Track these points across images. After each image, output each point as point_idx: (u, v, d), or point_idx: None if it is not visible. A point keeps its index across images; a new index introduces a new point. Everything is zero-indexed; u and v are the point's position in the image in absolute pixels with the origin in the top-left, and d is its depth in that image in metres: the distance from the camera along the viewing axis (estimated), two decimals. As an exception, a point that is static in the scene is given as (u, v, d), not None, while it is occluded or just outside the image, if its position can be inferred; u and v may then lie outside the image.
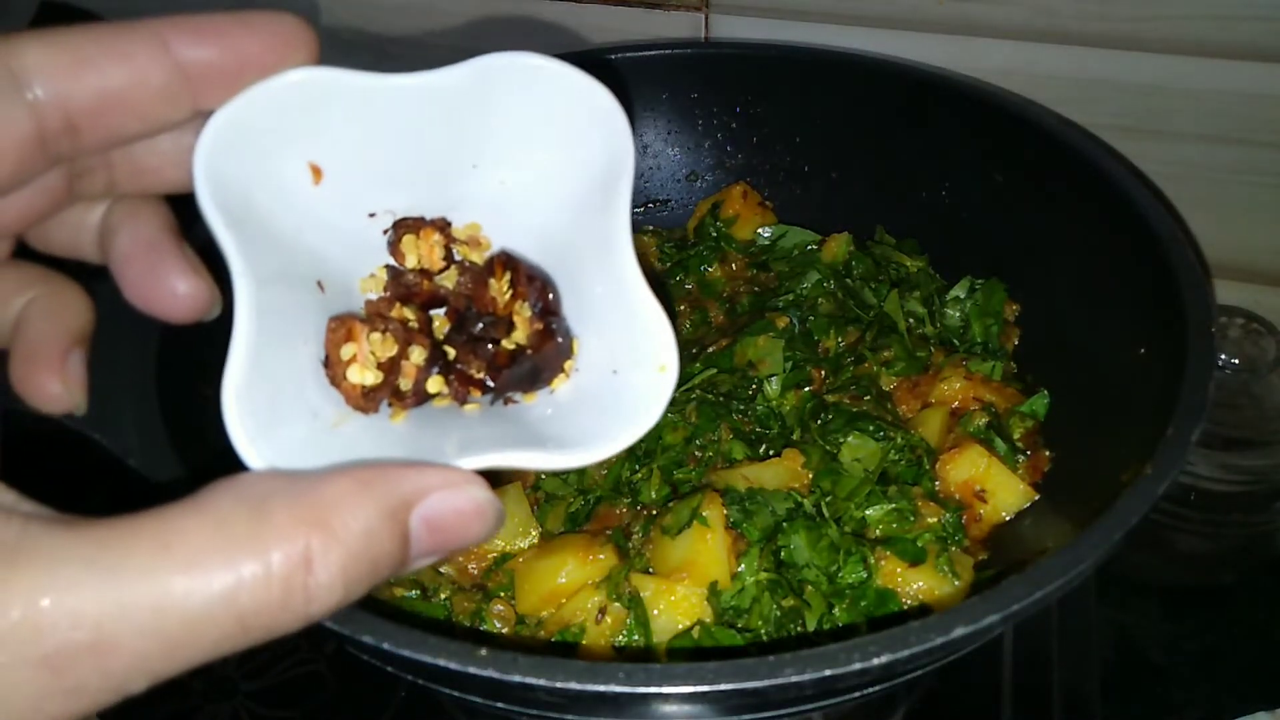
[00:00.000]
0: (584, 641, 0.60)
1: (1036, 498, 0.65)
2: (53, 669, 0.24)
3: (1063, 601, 0.73)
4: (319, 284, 0.38)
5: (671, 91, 0.88)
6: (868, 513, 0.64)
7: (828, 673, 0.40)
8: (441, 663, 0.41)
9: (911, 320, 0.77)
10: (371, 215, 0.40)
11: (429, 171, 0.40)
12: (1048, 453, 0.69)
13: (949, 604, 0.47)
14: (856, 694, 0.47)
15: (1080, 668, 0.73)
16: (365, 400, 0.36)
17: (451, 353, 0.39)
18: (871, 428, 0.67)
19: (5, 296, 0.37)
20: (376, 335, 0.37)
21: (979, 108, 0.76)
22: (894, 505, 0.64)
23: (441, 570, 0.65)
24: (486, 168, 0.41)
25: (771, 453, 0.68)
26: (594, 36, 0.94)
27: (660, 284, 0.77)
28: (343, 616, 0.43)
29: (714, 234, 0.86)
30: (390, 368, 0.37)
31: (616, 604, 0.60)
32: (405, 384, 0.37)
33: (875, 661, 0.40)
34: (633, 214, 0.95)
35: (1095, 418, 0.64)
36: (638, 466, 0.68)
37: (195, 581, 0.26)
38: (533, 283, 0.39)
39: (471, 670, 0.41)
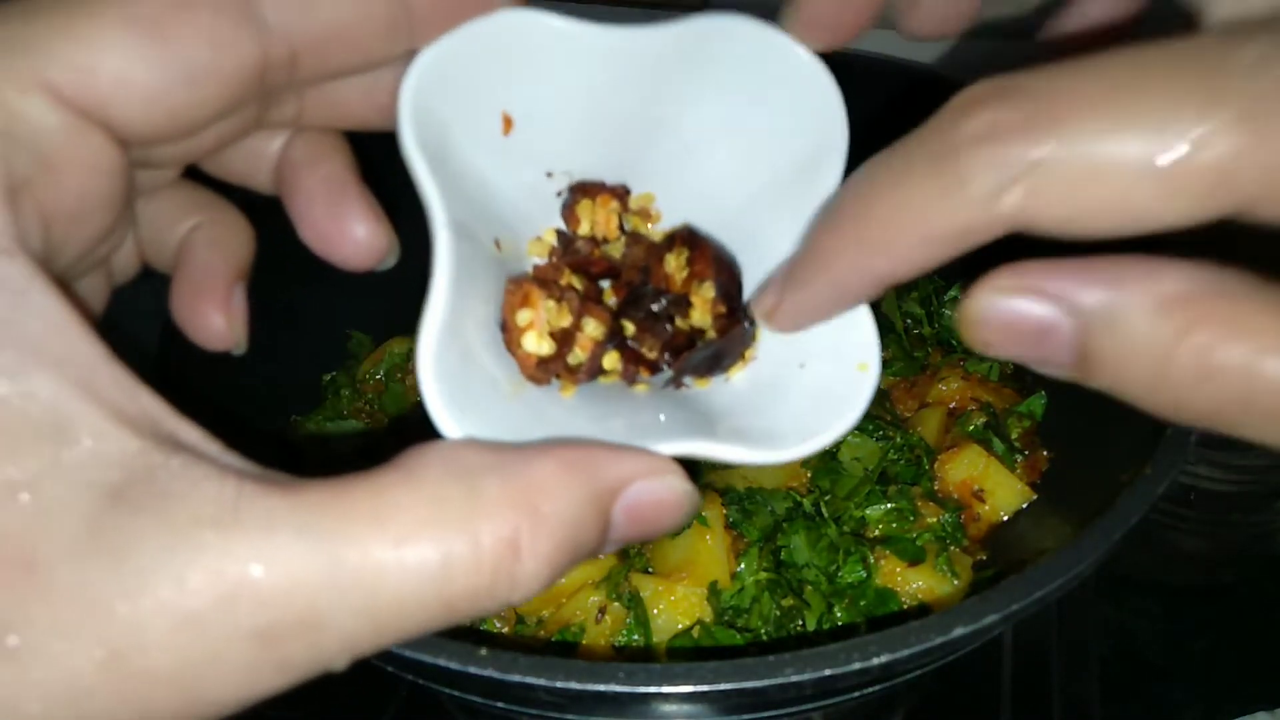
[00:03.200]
0: (584, 641, 0.60)
1: (1035, 497, 0.65)
2: (265, 642, 0.23)
3: (1063, 601, 0.73)
4: (495, 241, 0.36)
5: (671, 91, 0.88)
6: (867, 512, 0.64)
7: (828, 672, 0.40)
8: (441, 663, 0.41)
9: (909, 320, 0.77)
10: (549, 174, 0.38)
11: (615, 133, 0.38)
12: (1046, 453, 0.69)
13: (948, 604, 0.47)
14: (856, 694, 0.47)
15: (1080, 668, 0.73)
16: (539, 370, 0.34)
17: (630, 328, 0.37)
18: (870, 427, 0.67)
19: (173, 220, 0.36)
20: (552, 303, 0.34)
21: (979, 108, 0.76)
22: (893, 505, 0.64)
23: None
24: (676, 136, 0.38)
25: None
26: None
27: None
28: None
29: (714, 234, 0.86)
30: (564, 338, 0.35)
31: (616, 604, 0.60)
32: (578, 357, 0.35)
33: (875, 661, 0.40)
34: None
35: (1094, 418, 0.64)
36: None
37: (407, 560, 0.24)
38: (719, 262, 0.37)
39: (471, 670, 0.41)
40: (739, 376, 0.36)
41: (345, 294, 0.73)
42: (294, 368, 0.73)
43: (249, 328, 0.36)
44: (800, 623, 0.60)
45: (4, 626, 0.22)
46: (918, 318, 0.77)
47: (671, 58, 0.37)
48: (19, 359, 0.24)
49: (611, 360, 0.36)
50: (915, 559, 0.61)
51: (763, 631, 0.59)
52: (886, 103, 0.82)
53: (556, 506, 0.26)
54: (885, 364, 0.74)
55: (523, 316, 0.34)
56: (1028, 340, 0.27)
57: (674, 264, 0.38)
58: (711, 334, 0.37)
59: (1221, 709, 0.70)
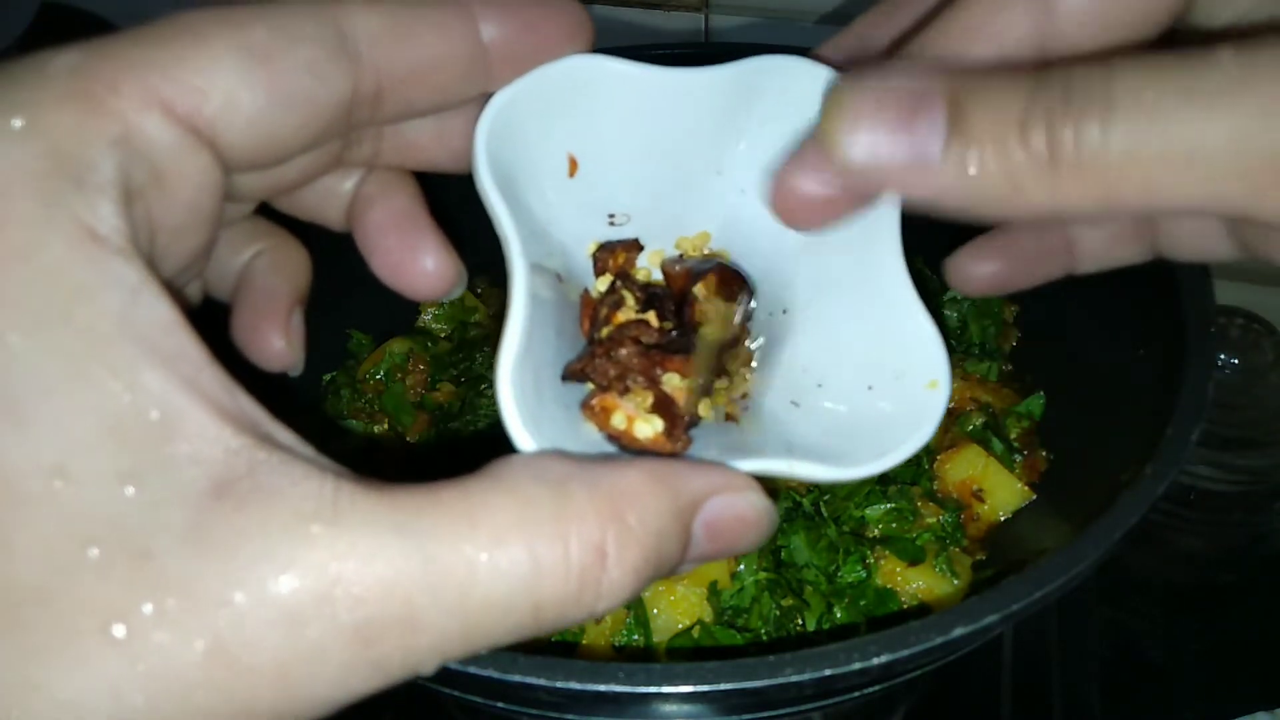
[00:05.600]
0: (584, 641, 0.60)
1: (1034, 497, 0.65)
2: (363, 640, 0.24)
3: (1063, 601, 0.73)
4: (559, 277, 0.37)
5: (671, 91, 0.88)
6: (867, 512, 0.64)
7: (828, 672, 0.40)
8: (441, 662, 0.41)
9: (911, 320, 0.77)
10: (610, 216, 0.39)
11: (677, 173, 0.39)
12: (1045, 453, 0.69)
13: (948, 604, 0.47)
14: (856, 694, 0.47)
15: (1080, 668, 0.73)
16: (671, 443, 0.34)
17: (725, 381, 0.37)
18: (871, 428, 0.67)
19: (237, 247, 0.37)
20: (628, 398, 0.35)
21: (979, 108, 0.76)
22: (893, 505, 0.64)
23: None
24: (735, 175, 0.39)
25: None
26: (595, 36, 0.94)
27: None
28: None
29: (714, 234, 0.86)
30: (662, 404, 0.35)
31: (616, 604, 0.60)
32: (683, 409, 0.35)
33: (875, 661, 0.40)
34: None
35: (1094, 418, 0.64)
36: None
37: (498, 561, 0.25)
38: (739, 284, 0.38)
39: (471, 670, 0.41)
40: (811, 400, 0.37)
41: (345, 294, 0.73)
42: (294, 368, 0.73)
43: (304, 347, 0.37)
44: (800, 623, 0.60)
45: (113, 616, 0.22)
46: (918, 318, 0.77)
47: (730, 98, 0.38)
48: (132, 355, 0.24)
49: (705, 407, 0.36)
50: (915, 559, 0.61)
51: (763, 631, 0.59)
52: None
53: (643, 517, 0.27)
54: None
55: (619, 420, 0.34)
56: (900, 120, 0.28)
57: (703, 293, 0.38)
58: (743, 347, 0.38)
59: (1221, 709, 0.70)
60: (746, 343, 0.38)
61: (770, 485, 0.64)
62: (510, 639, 0.26)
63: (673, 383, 0.35)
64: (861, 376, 0.36)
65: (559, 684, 0.40)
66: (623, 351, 0.35)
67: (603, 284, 0.39)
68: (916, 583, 0.61)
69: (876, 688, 0.48)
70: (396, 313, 0.81)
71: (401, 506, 0.25)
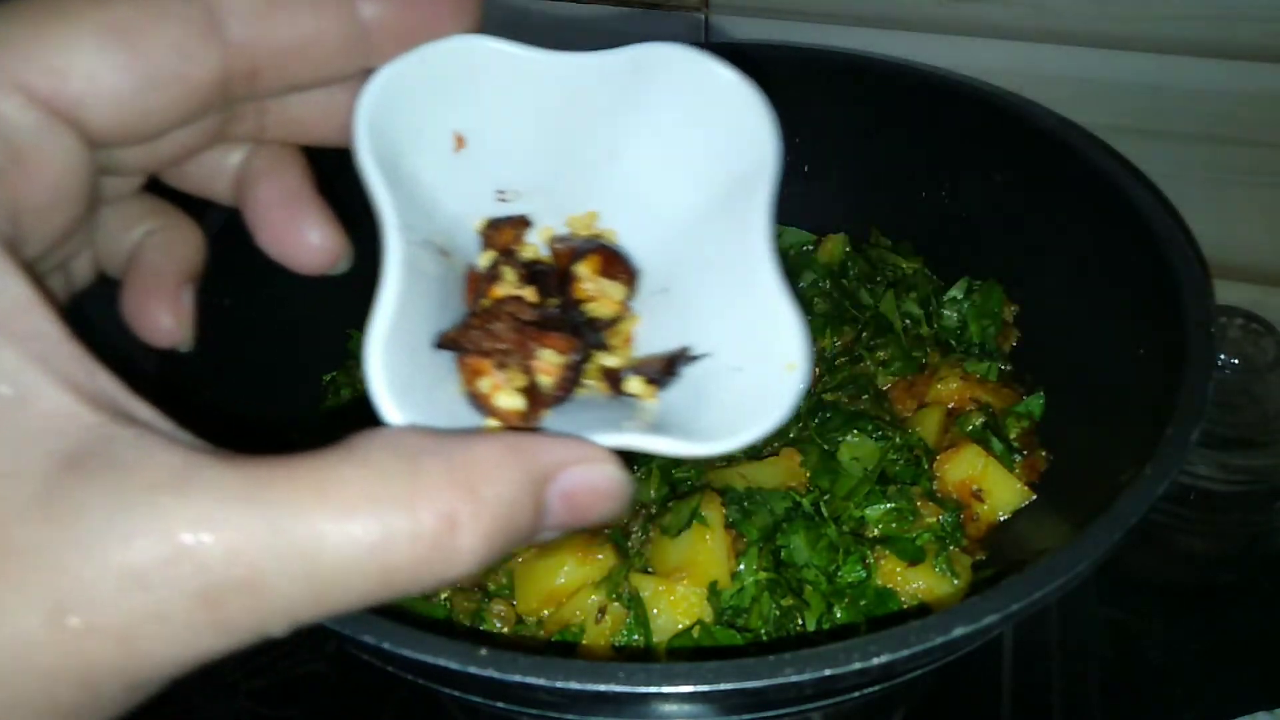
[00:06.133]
0: (584, 641, 0.60)
1: (1033, 497, 0.65)
2: (208, 603, 0.25)
3: (1063, 601, 0.73)
4: (444, 252, 0.37)
5: (671, 91, 0.88)
6: (866, 512, 0.64)
7: (828, 672, 0.40)
8: (441, 663, 0.41)
9: (908, 321, 0.77)
10: (500, 193, 0.40)
11: (563, 153, 0.40)
12: (1044, 453, 0.69)
13: (948, 604, 0.47)
14: (856, 694, 0.47)
15: (1080, 668, 0.73)
16: (528, 420, 0.35)
17: (599, 357, 0.38)
18: (870, 427, 0.67)
19: (128, 226, 0.38)
20: (503, 370, 0.36)
21: (979, 108, 0.76)
22: (893, 505, 0.64)
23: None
24: (621, 156, 0.40)
25: (768, 451, 0.69)
26: (594, 37, 0.94)
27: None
28: (342, 616, 0.43)
29: (713, 234, 0.86)
30: (531, 387, 0.36)
31: (616, 604, 0.60)
32: (548, 385, 0.36)
33: (875, 661, 0.40)
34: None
35: (1095, 418, 0.64)
36: (636, 465, 0.68)
37: (349, 530, 0.26)
38: (622, 265, 0.39)
39: (471, 670, 0.41)
40: (681, 378, 0.38)
41: (345, 294, 0.73)
42: (294, 368, 0.73)
43: (233, 336, 0.37)
44: (800, 623, 0.60)
45: None
46: (916, 318, 0.77)
47: (615, 83, 0.39)
48: None
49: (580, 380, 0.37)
50: (915, 559, 0.61)
51: (763, 631, 0.59)
52: (887, 105, 0.82)
53: (495, 487, 0.28)
54: (884, 364, 0.74)
55: (484, 384, 0.35)
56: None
57: (585, 271, 0.40)
58: (625, 325, 0.39)
59: (1221, 709, 0.70)
60: (626, 321, 0.40)
61: (769, 485, 0.64)
62: (364, 603, 0.27)
63: (548, 357, 0.36)
64: (729, 357, 0.37)
65: (559, 684, 0.40)
66: (498, 325, 0.36)
67: (486, 260, 0.39)
68: (916, 583, 0.61)
69: (876, 688, 0.48)
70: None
71: (253, 478, 0.26)
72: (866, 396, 0.71)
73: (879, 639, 0.41)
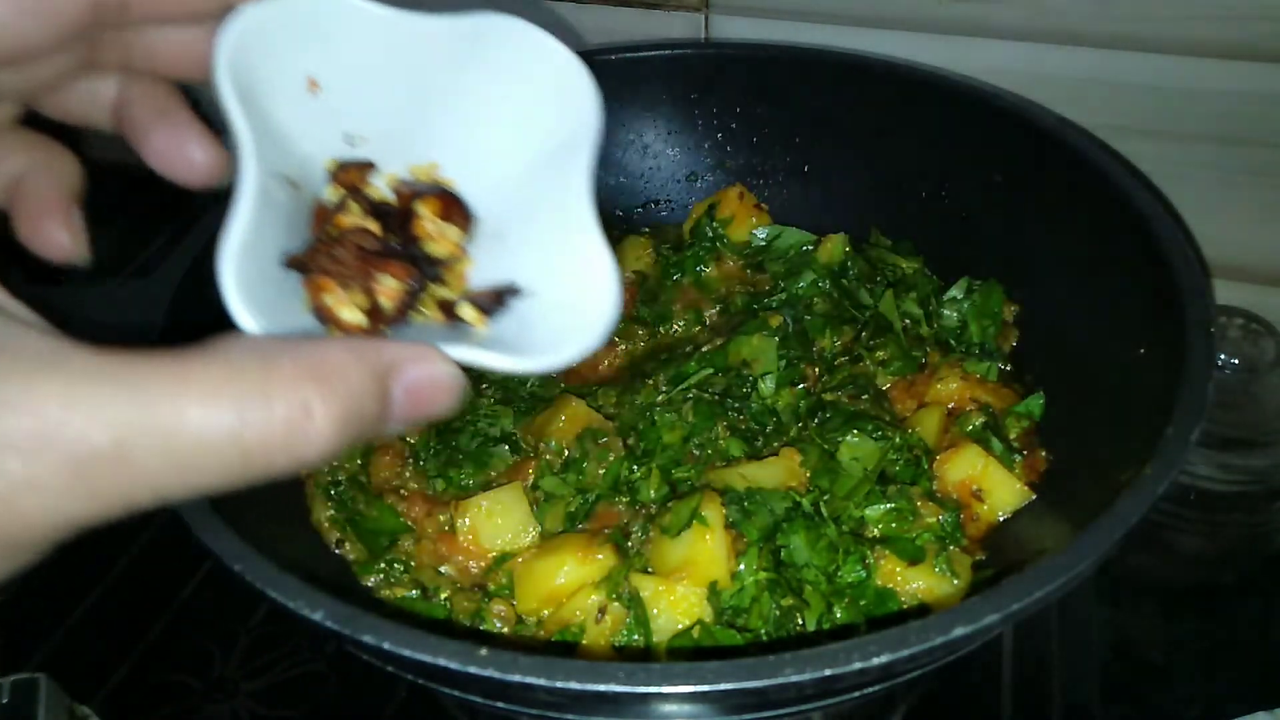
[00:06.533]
0: (584, 641, 0.60)
1: (1033, 497, 0.65)
2: (76, 472, 0.27)
3: (1063, 601, 0.73)
4: (294, 185, 0.40)
5: (671, 92, 0.88)
6: (866, 512, 0.64)
7: (828, 673, 0.40)
8: (441, 663, 0.41)
9: (907, 320, 0.77)
10: (349, 138, 0.44)
11: (409, 107, 0.44)
12: (1044, 453, 0.69)
13: (948, 604, 0.47)
14: (856, 694, 0.47)
15: (1080, 668, 0.73)
16: (368, 335, 0.38)
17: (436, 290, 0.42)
18: (870, 427, 0.67)
19: (5, 157, 0.41)
20: (346, 290, 0.39)
21: (979, 108, 0.76)
22: (893, 505, 0.64)
23: (442, 570, 0.66)
24: (461, 114, 0.45)
25: (768, 451, 0.69)
26: (594, 36, 0.94)
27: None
28: (343, 617, 0.43)
29: (710, 234, 0.86)
30: (372, 306, 0.39)
31: (616, 604, 0.60)
32: (389, 307, 0.39)
33: (875, 661, 0.40)
34: (632, 213, 0.95)
35: (1095, 418, 0.64)
36: (636, 466, 0.68)
37: (208, 413, 0.28)
38: (459, 209, 0.43)
39: (471, 670, 0.41)
40: (511, 319, 0.42)
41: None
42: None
43: None
44: (800, 622, 0.60)
45: None
46: (916, 318, 0.77)
47: (461, 46, 0.43)
48: None
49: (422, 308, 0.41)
50: (915, 559, 0.61)
51: (763, 631, 0.59)
52: (887, 105, 0.82)
53: (344, 381, 0.31)
54: (884, 364, 0.74)
55: (328, 299, 0.38)
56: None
57: (425, 211, 0.43)
58: (460, 265, 0.43)
59: (1221, 709, 0.70)
60: (461, 262, 0.43)
61: (769, 485, 0.64)
62: (224, 482, 0.29)
63: (387, 282, 0.39)
64: (552, 293, 0.42)
65: (559, 684, 0.40)
66: (342, 251, 0.39)
67: (334, 194, 0.42)
68: (916, 583, 0.61)
69: (876, 688, 0.48)
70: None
71: (123, 364, 0.28)
72: (866, 396, 0.71)
73: (879, 639, 0.41)
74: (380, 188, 0.44)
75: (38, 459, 0.26)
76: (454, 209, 0.43)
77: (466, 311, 0.40)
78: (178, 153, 0.40)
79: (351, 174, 0.43)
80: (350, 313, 0.38)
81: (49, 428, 0.27)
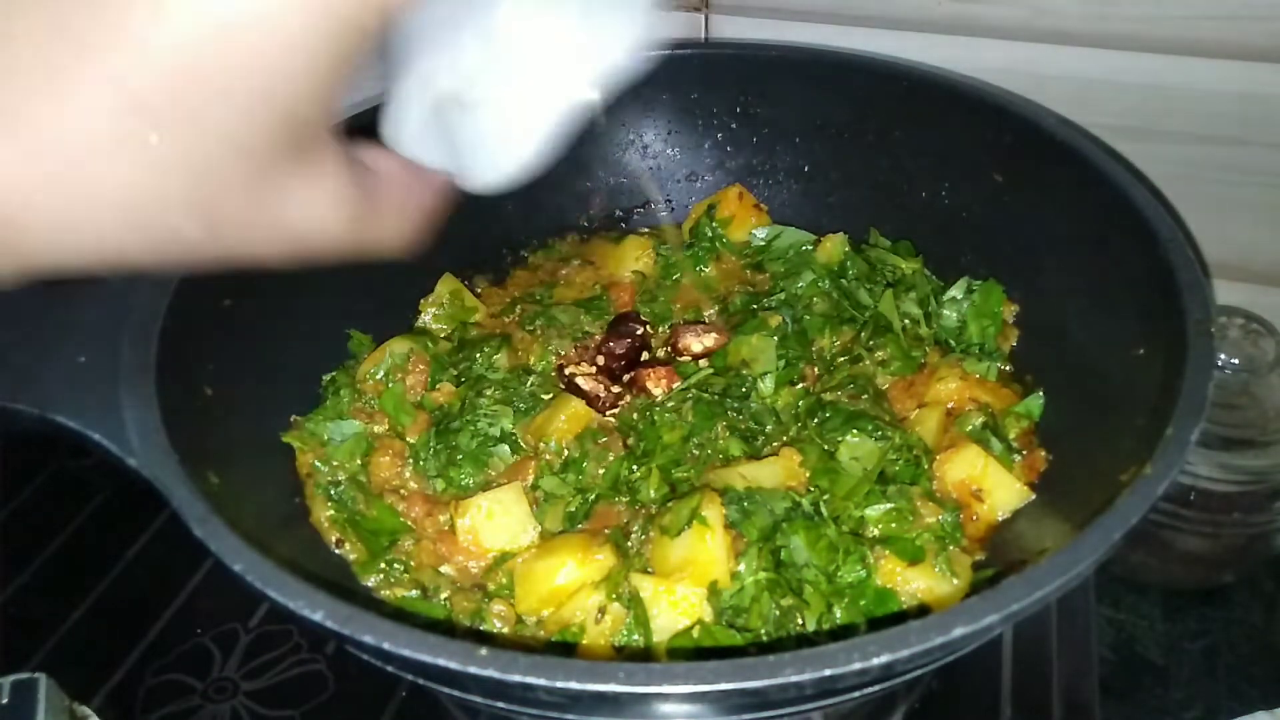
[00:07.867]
0: (584, 641, 0.60)
1: (1033, 497, 0.65)
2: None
3: (1062, 601, 0.73)
4: None
5: (671, 91, 0.88)
6: (866, 512, 0.64)
7: (828, 672, 0.40)
8: (441, 663, 0.41)
9: (907, 320, 0.77)
10: None
11: None
12: (1044, 453, 0.69)
13: (948, 604, 0.47)
14: (856, 694, 0.47)
15: (1080, 668, 0.73)
16: None
17: None
18: (870, 427, 0.67)
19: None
20: None
21: (979, 108, 0.76)
22: (892, 505, 0.64)
23: (442, 570, 0.66)
24: None
25: (767, 450, 0.69)
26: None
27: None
28: (343, 617, 0.43)
29: (710, 234, 0.86)
30: None
31: (616, 604, 0.60)
32: None
33: (875, 661, 0.40)
34: (632, 213, 0.95)
35: (1095, 418, 0.64)
36: (636, 466, 0.68)
37: None
38: None
39: (471, 670, 0.41)
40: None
41: (345, 294, 0.73)
42: (294, 368, 0.73)
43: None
44: (800, 622, 0.60)
45: None
46: (915, 318, 0.78)
47: None
48: None
49: None
50: (915, 559, 0.61)
51: (763, 631, 0.59)
52: (888, 105, 0.82)
53: None
54: (884, 363, 0.74)
55: None
56: None
57: None
58: None
59: (1221, 709, 0.70)
60: None
61: (769, 485, 0.64)
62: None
63: None
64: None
65: (559, 684, 0.40)
66: None
67: None
68: (916, 583, 0.61)
69: (876, 688, 0.48)
70: (396, 313, 0.81)
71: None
72: (866, 396, 0.71)
73: (879, 639, 0.41)
74: None
75: None
76: None
77: None
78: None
79: None
80: None
81: None
